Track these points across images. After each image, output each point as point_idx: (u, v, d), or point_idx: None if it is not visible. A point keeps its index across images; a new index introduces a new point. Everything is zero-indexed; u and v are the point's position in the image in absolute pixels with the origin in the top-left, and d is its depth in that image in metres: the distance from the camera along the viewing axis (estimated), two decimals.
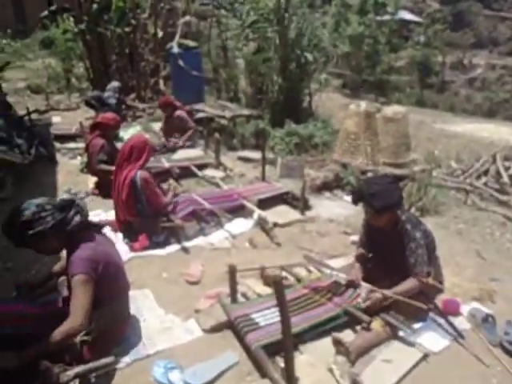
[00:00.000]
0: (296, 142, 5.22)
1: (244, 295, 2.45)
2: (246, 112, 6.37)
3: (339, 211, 3.75)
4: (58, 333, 1.68)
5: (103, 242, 1.95)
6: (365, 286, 2.28)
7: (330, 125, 6.07)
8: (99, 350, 1.89)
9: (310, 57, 6.50)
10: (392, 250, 2.29)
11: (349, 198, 4.00)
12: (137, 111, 8.12)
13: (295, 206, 3.75)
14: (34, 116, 5.67)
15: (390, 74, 15.20)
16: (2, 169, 4.14)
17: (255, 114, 6.30)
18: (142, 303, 2.43)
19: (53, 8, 10.22)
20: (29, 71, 11.64)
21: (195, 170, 4.47)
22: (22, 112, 5.48)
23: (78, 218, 1.85)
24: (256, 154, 5.39)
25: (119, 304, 2.03)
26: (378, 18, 14.49)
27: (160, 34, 9.74)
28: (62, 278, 2.29)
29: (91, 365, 1.71)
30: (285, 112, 6.31)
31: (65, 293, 2.11)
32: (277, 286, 1.65)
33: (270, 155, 5.08)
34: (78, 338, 1.81)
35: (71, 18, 10.19)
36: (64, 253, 2.41)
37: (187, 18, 9.01)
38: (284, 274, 2.64)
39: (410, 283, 2.20)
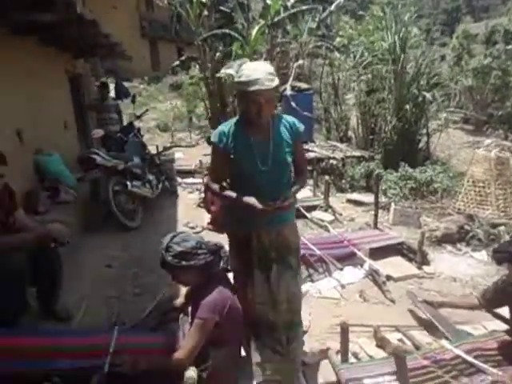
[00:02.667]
0: (411, 187, 4.90)
1: (355, 355, 2.31)
2: (357, 153, 6.25)
3: (464, 269, 3.35)
4: (164, 359, 1.88)
5: (230, 286, 2.07)
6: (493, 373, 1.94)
7: (451, 168, 5.58)
8: None
9: (428, 96, 6.17)
10: None
11: (476, 255, 3.58)
12: None
13: (411, 258, 3.47)
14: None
15: None
16: (135, 202, 4.73)
17: (367, 155, 6.14)
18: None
19: (183, 58, 11.66)
20: (159, 112, 13.35)
21: (304, 211, 4.50)
22: (151, 148, 6.25)
23: (221, 264, 2.00)
24: (366, 197, 5.21)
25: (235, 347, 2.09)
26: (509, 47, 13.15)
27: None
28: (182, 316, 2.48)
29: None
30: (398, 154, 6.03)
31: (186, 331, 2.26)
32: (399, 361, 1.51)
33: (381, 199, 4.86)
34: (197, 373, 1.92)
35: (197, 66, 11.55)
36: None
37: (300, 61, 9.41)
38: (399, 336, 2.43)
39: None
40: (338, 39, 7.69)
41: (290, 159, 1.97)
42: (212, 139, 1.96)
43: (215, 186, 1.98)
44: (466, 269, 3.36)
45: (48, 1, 3.14)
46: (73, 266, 3.52)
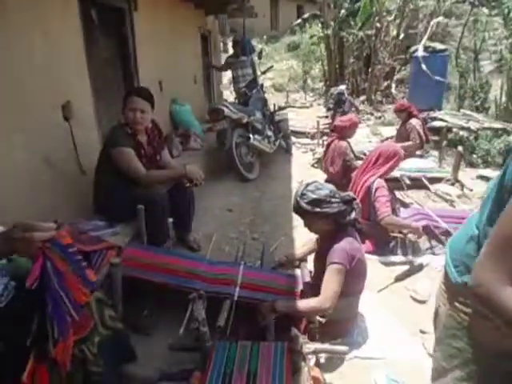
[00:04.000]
0: None
1: None
2: (497, 125, 5.50)
3: None
4: (306, 304, 1.90)
5: (358, 239, 2.08)
6: None
7: None
8: (326, 335, 2.05)
9: None
10: None
11: None
12: (365, 114, 8.25)
13: None
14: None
15: None
16: (254, 155, 4.94)
17: (510, 128, 5.37)
18: (369, 305, 2.47)
19: (305, 16, 11.35)
20: (275, 72, 13.42)
21: (426, 182, 4.20)
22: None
23: (353, 215, 2.02)
24: None
25: (355, 299, 2.13)
26: None
27: (401, 35, 9.51)
28: (303, 263, 2.59)
29: (328, 347, 1.86)
30: None
31: (306, 278, 2.36)
32: None
33: None
34: (318, 318, 2.01)
35: (319, 24, 11.15)
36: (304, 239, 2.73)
37: (440, 18, 8.41)
38: None
39: None
40: None
41: None
42: None
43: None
44: None
45: None
46: (199, 206, 3.91)
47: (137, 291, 2.19)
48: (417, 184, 4.27)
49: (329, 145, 4.36)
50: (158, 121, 3.01)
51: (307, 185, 2.07)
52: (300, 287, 2.32)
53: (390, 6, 9.74)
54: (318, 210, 1.98)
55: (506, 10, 6.64)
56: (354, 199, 2.07)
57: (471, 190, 4.14)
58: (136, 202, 2.50)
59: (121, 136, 2.59)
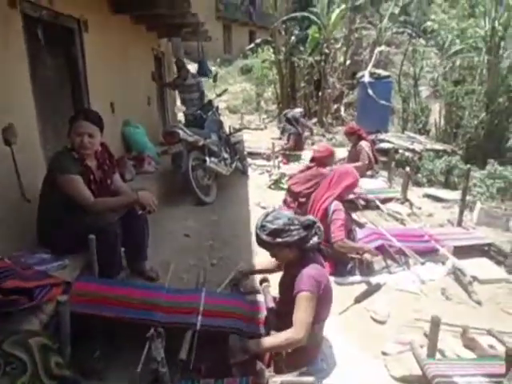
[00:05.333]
0: (499, 187, 4.54)
1: (441, 352, 2.22)
2: (438, 146, 5.90)
3: None
4: (281, 339, 1.82)
5: (323, 264, 2.06)
6: None
7: None
8: (292, 365, 1.99)
9: None
10: None
11: None
12: (317, 136, 8.53)
13: (500, 261, 3.25)
14: None
15: None
16: (210, 178, 4.87)
17: (449, 149, 5.77)
18: (331, 328, 2.45)
19: (258, 41, 11.68)
20: (229, 94, 13.56)
21: (378, 203, 4.36)
22: None
23: (316, 239, 1.99)
24: (445, 193, 4.94)
25: (321, 326, 2.09)
26: None
27: (348, 62, 10.06)
28: (265, 285, 2.54)
29: (294, 379, 1.80)
30: (482, 150, 5.60)
31: (270, 303, 2.30)
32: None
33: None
34: None
35: (271, 49, 11.51)
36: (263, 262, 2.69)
37: (382, 47, 9.00)
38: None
39: None
40: (429, 23, 7.17)
41: None
42: None
43: None
44: None
45: None
46: (155, 232, 3.75)
47: (87, 330, 2.01)
48: (369, 205, 4.42)
49: (308, 168, 4.27)
50: (110, 143, 2.87)
51: (266, 215, 2.03)
52: (264, 313, 2.27)
53: (337, 34, 10.31)
54: (279, 240, 1.94)
55: (441, 42, 7.26)
56: (315, 223, 2.06)
57: (420, 209, 4.36)
58: (86, 231, 2.33)
59: (67, 161, 2.43)
